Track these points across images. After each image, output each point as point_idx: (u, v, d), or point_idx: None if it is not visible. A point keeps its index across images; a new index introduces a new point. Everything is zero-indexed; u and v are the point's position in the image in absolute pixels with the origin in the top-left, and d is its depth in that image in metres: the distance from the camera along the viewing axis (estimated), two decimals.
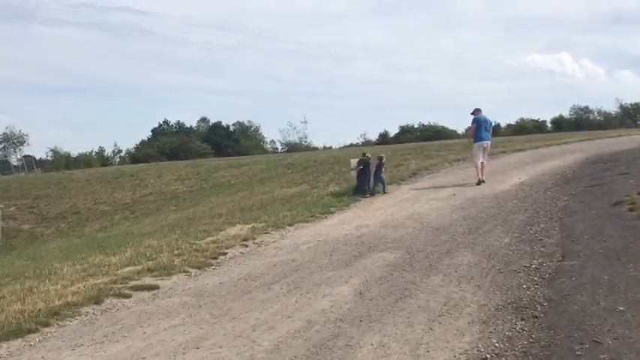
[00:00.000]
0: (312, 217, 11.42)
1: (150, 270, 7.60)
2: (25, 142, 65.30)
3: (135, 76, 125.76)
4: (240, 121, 77.77)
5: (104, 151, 67.34)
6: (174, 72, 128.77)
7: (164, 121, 72.56)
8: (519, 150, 23.08)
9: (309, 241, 9.10)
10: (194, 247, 8.96)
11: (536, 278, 6.55)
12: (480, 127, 14.76)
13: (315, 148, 60.89)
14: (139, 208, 20.88)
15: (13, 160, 63.11)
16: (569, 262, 7.02)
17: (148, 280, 7.19)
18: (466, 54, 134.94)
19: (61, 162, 52.65)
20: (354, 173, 14.55)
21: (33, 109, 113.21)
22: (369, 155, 16.07)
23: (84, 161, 52.15)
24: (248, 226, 10.86)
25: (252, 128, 78.86)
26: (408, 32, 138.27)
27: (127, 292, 6.75)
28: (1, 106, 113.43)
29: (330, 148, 60.20)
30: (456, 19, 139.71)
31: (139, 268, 7.76)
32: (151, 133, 69.56)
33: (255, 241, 9.39)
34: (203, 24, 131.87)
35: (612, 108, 65.08)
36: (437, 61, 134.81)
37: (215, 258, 8.30)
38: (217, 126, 68.83)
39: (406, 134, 65.94)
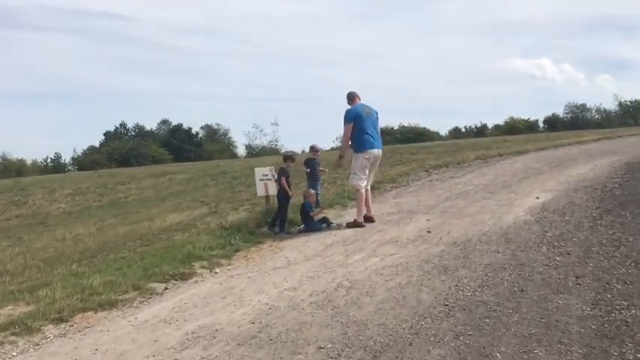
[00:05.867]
0: (136, 290, 5.57)
1: None
2: None
3: (113, 82, 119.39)
4: (209, 124, 71.45)
5: (60, 157, 60.83)
6: (154, 77, 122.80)
7: (121, 124, 65.77)
8: (520, 152, 17.35)
9: None
10: None
11: None
12: (362, 123, 8.06)
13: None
14: None
15: None
16: None
17: None
18: (447, 59, 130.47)
19: None
20: (262, 191, 8.70)
21: (12, 116, 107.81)
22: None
23: (14, 168, 45.54)
24: None
25: (221, 132, 72.57)
26: (391, 38, 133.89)
27: None
28: None
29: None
30: (438, 25, 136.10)
31: None
32: (103, 137, 62.67)
33: None
34: (185, 29, 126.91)
35: (611, 106, 59.79)
36: (419, 66, 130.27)
37: None
38: (178, 129, 62.02)
39: (385, 136, 60.15)
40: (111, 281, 5.76)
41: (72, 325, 4.68)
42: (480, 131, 59.54)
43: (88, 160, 50.05)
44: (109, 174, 25.93)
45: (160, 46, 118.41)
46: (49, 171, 52.11)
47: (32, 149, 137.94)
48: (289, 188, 8.12)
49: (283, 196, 8.12)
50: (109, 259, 7.33)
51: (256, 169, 8.87)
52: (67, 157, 61.05)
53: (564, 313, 4.20)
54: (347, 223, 7.96)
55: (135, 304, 5.14)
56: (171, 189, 18.08)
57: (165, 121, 68.46)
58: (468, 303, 4.50)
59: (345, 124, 8.11)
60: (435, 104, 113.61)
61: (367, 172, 8.19)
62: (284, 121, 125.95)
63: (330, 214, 9.18)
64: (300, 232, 7.88)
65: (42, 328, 4.62)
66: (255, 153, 54.34)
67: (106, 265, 6.78)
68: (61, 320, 4.78)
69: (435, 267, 5.58)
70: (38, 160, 58.20)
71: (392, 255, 6.17)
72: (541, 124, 57.62)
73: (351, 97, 8.32)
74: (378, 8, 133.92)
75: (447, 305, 4.48)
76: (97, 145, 59.89)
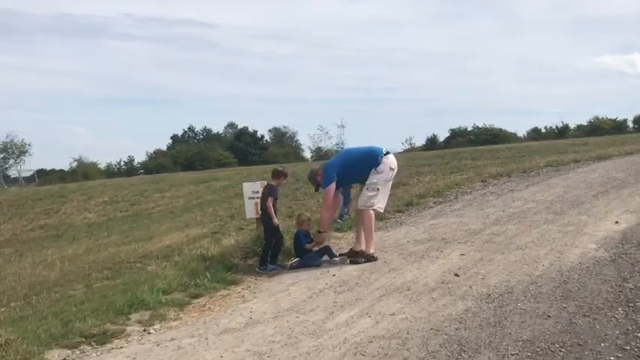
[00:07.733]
0: None
1: None
2: (26, 152, 58.39)
3: (197, 87, 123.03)
4: (277, 127, 70.90)
5: (133, 160, 61.98)
6: (235, 82, 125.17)
7: (189, 127, 66.31)
8: (601, 158, 14.75)
9: None
10: None
11: None
12: (349, 155, 6.65)
13: None
14: None
15: (14, 171, 57.19)
16: None
17: None
18: (530, 57, 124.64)
19: (57, 174, 47.16)
20: (252, 212, 7.01)
21: (104, 121, 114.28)
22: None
23: (82, 172, 46.29)
24: None
25: (288, 135, 71.83)
26: (470, 37, 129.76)
27: None
28: (76, 118, 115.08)
29: None
30: (520, 22, 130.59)
31: None
32: (170, 141, 63.21)
33: None
34: (264, 34, 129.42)
35: None
36: (499, 66, 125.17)
37: None
38: (243, 132, 61.49)
39: (457, 138, 56.84)
40: (4, 343, 4.28)
41: None
42: (562, 132, 55.03)
43: (153, 164, 50.32)
44: (153, 179, 25.14)
45: (232, 50, 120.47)
46: (121, 174, 52.96)
47: (118, 152, 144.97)
48: (275, 214, 6.37)
49: (268, 222, 6.39)
50: (51, 298, 5.94)
51: (245, 185, 7.19)
52: (139, 160, 62.42)
53: None
54: (350, 260, 6.16)
55: None
56: (201, 198, 16.83)
57: (231, 125, 68.45)
58: None
59: (325, 186, 6.24)
60: (515, 104, 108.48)
61: (388, 191, 6.47)
62: (357, 123, 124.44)
63: (344, 239, 7.43)
64: (292, 267, 6.16)
65: None
66: (321, 156, 52.98)
67: (33, 312, 5.35)
68: None
69: (445, 343, 3.72)
70: (112, 163, 59.66)
71: (392, 315, 4.35)
72: (630, 124, 52.43)
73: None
74: (454, 7, 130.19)
75: None
76: (164, 148, 60.66)
